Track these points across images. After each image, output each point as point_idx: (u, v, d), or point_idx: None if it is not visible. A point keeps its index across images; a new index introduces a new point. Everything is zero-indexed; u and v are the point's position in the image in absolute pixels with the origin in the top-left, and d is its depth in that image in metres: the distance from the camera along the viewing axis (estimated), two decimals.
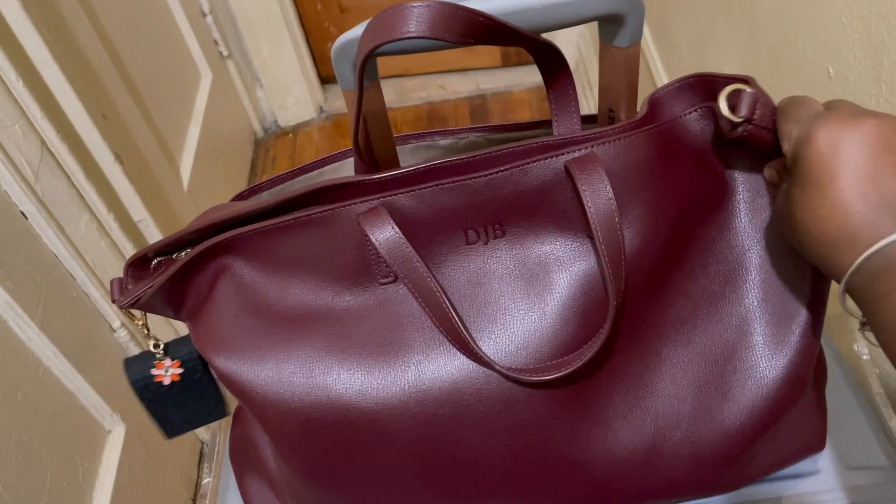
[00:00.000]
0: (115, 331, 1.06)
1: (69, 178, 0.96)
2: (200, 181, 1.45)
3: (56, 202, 0.94)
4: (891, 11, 0.48)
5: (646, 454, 0.40)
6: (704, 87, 0.38)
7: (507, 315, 0.39)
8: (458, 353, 0.39)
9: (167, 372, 0.44)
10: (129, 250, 1.08)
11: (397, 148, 0.46)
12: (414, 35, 0.31)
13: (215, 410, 0.47)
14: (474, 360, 0.38)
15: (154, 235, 1.18)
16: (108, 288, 1.01)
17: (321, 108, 1.92)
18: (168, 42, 1.46)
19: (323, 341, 0.40)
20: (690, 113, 0.38)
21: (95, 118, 1.03)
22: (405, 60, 1.90)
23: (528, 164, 0.37)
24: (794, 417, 0.45)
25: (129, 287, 0.42)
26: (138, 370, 0.44)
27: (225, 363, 0.39)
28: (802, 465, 0.46)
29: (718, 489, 0.43)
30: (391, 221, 0.37)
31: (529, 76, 1.90)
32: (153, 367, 0.44)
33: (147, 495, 1.09)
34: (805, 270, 0.40)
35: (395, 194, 0.38)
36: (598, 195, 0.35)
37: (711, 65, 0.82)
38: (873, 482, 0.45)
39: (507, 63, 1.90)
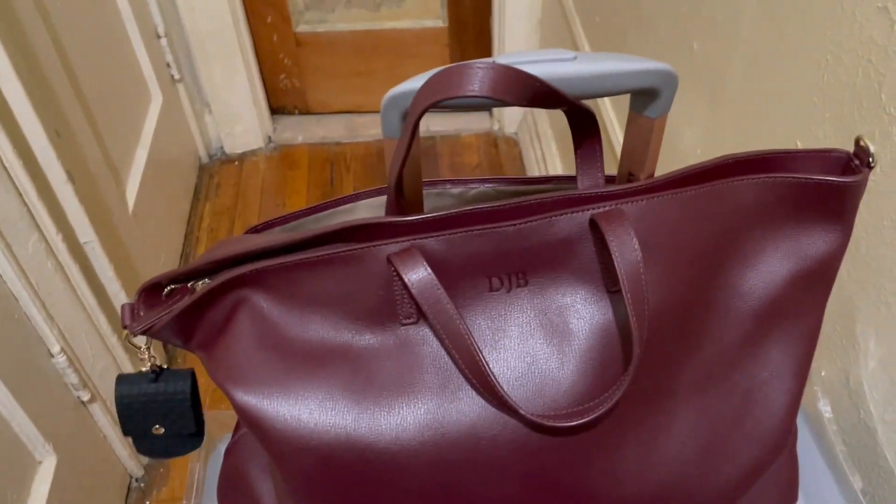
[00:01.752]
0: (53, 356, 1.01)
1: (21, 195, 0.93)
2: (145, 204, 1.41)
3: (5, 219, 0.90)
4: (864, 98, 0.52)
5: None
6: (763, 165, 0.41)
7: (526, 362, 0.40)
8: (477, 396, 0.39)
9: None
10: (74, 273, 1.05)
11: None
12: (477, 94, 0.33)
13: (190, 443, 0.47)
14: (497, 404, 0.38)
15: (99, 258, 1.14)
16: (46, 307, 0.97)
17: (269, 137, 1.90)
18: (121, 62, 1.43)
19: (342, 379, 0.40)
20: (744, 182, 0.40)
21: (50, 135, 1.00)
22: (357, 97, 1.92)
23: (556, 215, 0.38)
24: (772, 473, 0.48)
25: (142, 314, 0.41)
26: (128, 388, 0.44)
27: (243, 397, 0.39)
28: None
29: None
30: (424, 263, 0.38)
31: (477, 122, 1.94)
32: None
33: None
34: (809, 348, 0.43)
35: (426, 237, 0.39)
36: (625, 247, 0.37)
37: (673, 129, 0.87)
38: None
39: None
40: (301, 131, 1.93)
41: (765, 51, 0.65)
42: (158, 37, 1.59)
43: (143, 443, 0.47)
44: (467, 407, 0.39)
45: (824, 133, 0.58)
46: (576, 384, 0.40)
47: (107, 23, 1.37)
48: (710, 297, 0.42)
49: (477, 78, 0.33)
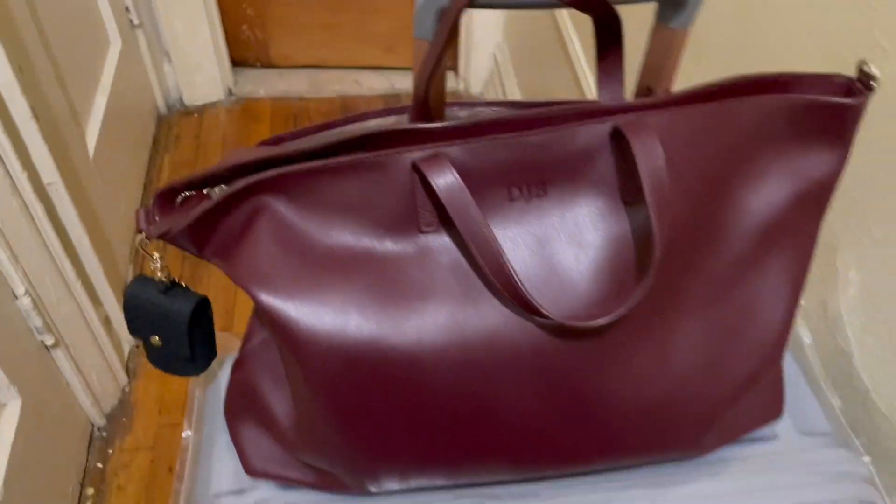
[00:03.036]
0: (17, 297, 0.98)
1: None
2: (105, 151, 1.37)
3: None
4: (857, 34, 0.54)
5: (654, 412, 0.44)
6: (770, 86, 0.42)
7: (543, 270, 0.41)
8: (497, 302, 0.40)
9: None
10: (39, 213, 1.01)
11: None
12: None
13: (189, 368, 0.47)
14: (520, 306, 0.39)
15: (63, 200, 1.10)
16: (11, 247, 0.94)
17: (230, 90, 1.86)
18: (80, 4, 1.37)
19: (365, 284, 0.40)
20: (753, 101, 0.41)
21: (14, 69, 0.96)
22: (322, 51, 1.89)
23: (579, 125, 0.39)
24: (760, 389, 0.50)
25: (157, 219, 0.41)
26: (139, 290, 0.43)
27: (268, 298, 0.39)
28: (763, 431, 0.52)
29: (700, 449, 0.47)
30: (452, 168, 0.38)
31: None
32: (186, 288, 0.43)
33: (39, 475, 1.02)
34: (804, 266, 0.45)
35: (450, 145, 0.39)
36: (650, 154, 0.38)
37: None
38: (820, 445, 0.51)
39: None
40: (263, 85, 1.89)
41: (751, 6, 0.67)
42: None
43: (147, 349, 0.46)
44: (488, 312, 0.40)
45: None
46: (591, 291, 0.41)
47: None
48: (718, 213, 0.43)
49: None
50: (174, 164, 1.71)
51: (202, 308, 0.45)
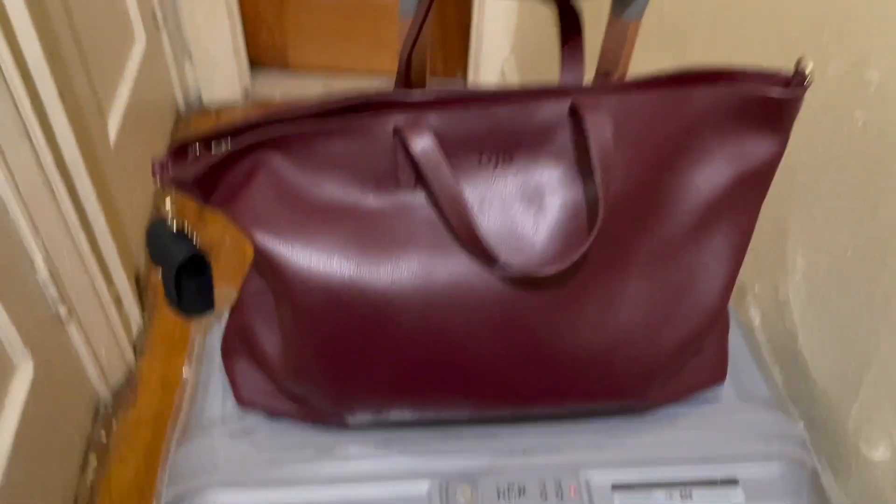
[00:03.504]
0: (36, 268, 1.05)
1: (16, 104, 0.96)
2: (124, 141, 1.44)
3: (1, 124, 0.93)
4: (808, 40, 0.60)
5: (601, 359, 0.49)
6: (717, 78, 0.47)
7: (506, 229, 0.47)
8: (463, 254, 0.46)
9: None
10: (60, 190, 1.08)
11: None
12: None
13: (177, 308, 0.52)
14: (481, 256, 0.45)
15: (83, 180, 1.17)
16: (33, 220, 1.01)
17: (247, 91, 1.94)
18: (110, 1, 1.45)
19: (349, 233, 0.46)
20: (701, 91, 0.47)
21: (45, 52, 1.03)
22: (337, 56, 1.96)
23: (542, 102, 0.45)
24: (705, 353, 0.55)
25: (170, 169, 0.47)
26: (188, 247, 0.49)
27: (263, 239, 0.45)
28: (707, 395, 0.57)
29: (645, 399, 0.52)
30: (429, 132, 0.44)
31: None
32: (190, 238, 0.49)
33: (46, 439, 1.07)
34: (745, 239, 0.51)
35: (428, 113, 0.45)
36: (600, 128, 0.44)
37: None
38: (759, 408, 0.56)
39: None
40: (279, 87, 1.96)
41: (726, 7, 0.73)
42: None
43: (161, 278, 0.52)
44: (454, 262, 0.46)
45: None
46: (546, 248, 0.46)
47: None
48: (666, 187, 0.49)
49: None
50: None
51: (198, 262, 0.50)
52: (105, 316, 1.25)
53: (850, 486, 0.56)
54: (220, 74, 1.87)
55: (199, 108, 1.91)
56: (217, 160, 0.46)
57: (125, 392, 1.32)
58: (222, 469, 0.49)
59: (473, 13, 1.81)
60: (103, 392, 1.29)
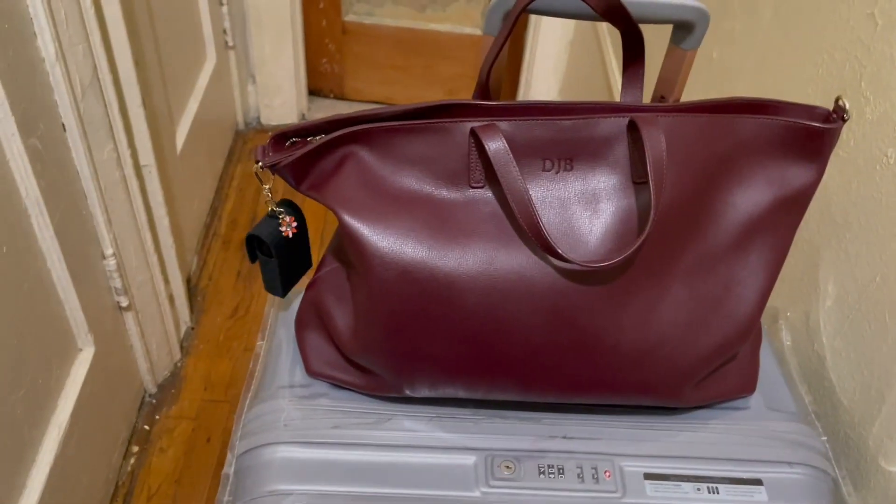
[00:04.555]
0: (105, 258, 1.12)
1: (106, 106, 1.04)
2: (189, 151, 1.53)
3: (91, 123, 1.01)
4: (848, 86, 0.65)
5: (642, 356, 0.53)
6: (764, 109, 0.53)
7: (564, 227, 0.52)
8: (524, 246, 0.51)
9: (288, 227, 0.55)
10: (134, 188, 1.16)
11: None
12: None
13: (305, 264, 0.58)
14: (542, 248, 0.50)
15: (154, 182, 1.25)
16: (108, 212, 1.08)
17: (304, 115, 2.03)
18: (189, 20, 1.56)
19: (422, 219, 0.51)
20: (748, 118, 0.52)
21: (134, 62, 1.12)
22: (391, 89, 2.05)
23: (603, 117, 0.51)
24: (737, 364, 0.59)
25: (271, 154, 0.53)
26: (269, 230, 0.55)
27: (349, 218, 0.50)
28: (737, 402, 0.61)
29: (679, 399, 0.56)
30: (501, 135, 0.50)
31: None
32: (279, 224, 0.55)
33: (97, 422, 1.13)
34: (780, 258, 0.55)
35: (500, 120, 0.51)
36: (655, 142, 0.49)
37: None
38: (785, 419, 0.60)
39: None
40: (333, 114, 2.05)
41: (772, 54, 0.78)
42: (221, 4, 1.72)
43: (285, 277, 0.57)
44: (515, 252, 0.51)
45: None
46: (599, 248, 0.52)
47: None
48: (709, 203, 0.54)
49: None
50: (244, 174, 1.86)
51: (274, 244, 0.55)
52: (160, 311, 1.32)
53: (869, 499, 0.59)
54: (280, 98, 1.97)
55: (257, 127, 2.00)
56: (312, 149, 0.52)
57: (170, 388, 1.38)
58: (289, 428, 0.55)
59: (525, 54, 1.89)
60: (150, 385, 1.35)
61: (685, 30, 0.50)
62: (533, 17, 1.84)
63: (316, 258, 1.51)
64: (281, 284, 0.57)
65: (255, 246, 0.56)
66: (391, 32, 1.95)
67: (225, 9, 1.73)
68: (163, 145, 1.34)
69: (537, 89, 1.90)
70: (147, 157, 1.22)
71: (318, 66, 2.02)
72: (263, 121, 2.01)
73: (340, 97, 2.08)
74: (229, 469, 0.54)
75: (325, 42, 1.98)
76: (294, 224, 0.55)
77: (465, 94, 2.02)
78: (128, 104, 1.14)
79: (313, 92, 2.07)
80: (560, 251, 0.49)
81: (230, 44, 1.79)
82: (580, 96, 1.71)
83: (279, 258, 0.55)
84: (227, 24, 1.76)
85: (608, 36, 1.50)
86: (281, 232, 0.54)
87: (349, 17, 1.95)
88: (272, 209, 0.55)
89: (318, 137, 0.54)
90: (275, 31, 1.85)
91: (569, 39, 1.82)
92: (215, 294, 1.57)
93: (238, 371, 1.44)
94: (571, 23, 1.81)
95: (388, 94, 2.06)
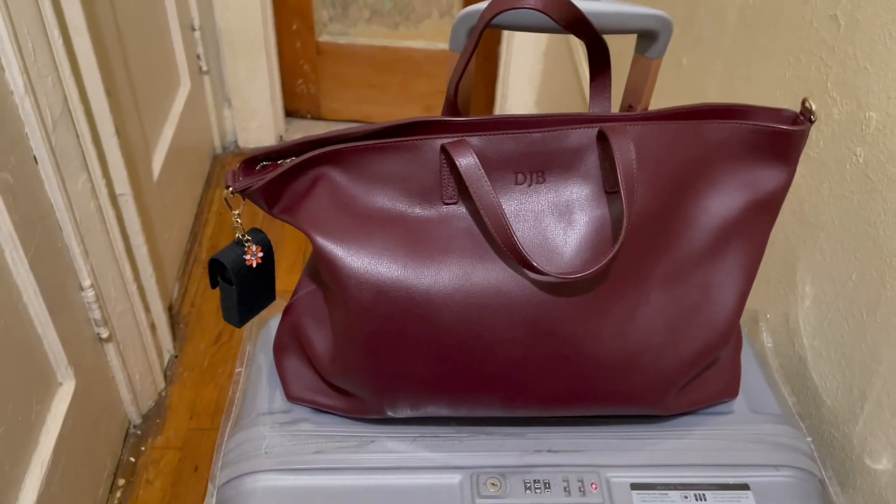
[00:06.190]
0: (83, 289, 1.11)
1: (78, 136, 1.04)
2: (166, 178, 1.52)
3: (64, 154, 1.00)
4: (814, 87, 0.66)
5: (622, 365, 0.53)
6: (731, 114, 0.53)
7: (538, 240, 0.52)
8: (499, 261, 0.51)
9: (253, 257, 0.54)
10: (110, 218, 1.15)
11: None
12: (531, 6, 0.45)
13: (268, 296, 0.57)
14: (517, 262, 0.50)
15: (130, 211, 1.24)
16: (84, 243, 1.07)
17: (281, 137, 2.02)
18: (161, 47, 1.55)
19: (396, 238, 0.51)
20: (716, 124, 0.52)
21: (106, 91, 1.12)
22: (368, 107, 2.05)
23: (573, 128, 0.51)
24: (719, 368, 0.59)
25: (241, 179, 0.53)
26: (233, 257, 0.54)
27: (322, 241, 0.50)
28: (721, 407, 0.61)
29: (662, 407, 0.56)
30: (472, 151, 0.50)
31: None
32: (244, 252, 0.54)
33: (80, 456, 1.11)
34: (755, 261, 0.55)
35: (470, 135, 0.51)
36: (625, 152, 0.49)
37: None
38: (769, 421, 0.60)
39: None
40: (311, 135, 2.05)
41: (740, 58, 0.79)
42: (193, 29, 1.72)
43: (244, 307, 0.56)
44: (491, 267, 0.51)
45: None
46: (574, 258, 0.51)
47: (153, 10, 1.49)
48: (683, 209, 0.54)
49: None
50: (224, 199, 1.85)
51: (235, 271, 0.54)
52: (141, 341, 1.30)
53: (856, 498, 0.59)
54: (257, 121, 1.96)
55: (235, 151, 2.00)
56: (283, 171, 0.52)
57: (155, 418, 1.37)
58: (271, 455, 0.54)
59: (499, 67, 1.90)
60: (134, 416, 1.33)
61: (649, 39, 0.50)
62: (506, 31, 1.85)
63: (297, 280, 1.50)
64: (238, 314, 0.56)
65: (217, 271, 0.55)
66: (366, 51, 1.95)
67: (197, 34, 1.73)
68: (139, 173, 1.34)
69: (513, 102, 1.91)
70: (122, 185, 1.21)
71: (294, 87, 2.02)
72: (241, 144, 2.00)
73: (318, 118, 2.08)
74: (211, 500, 0.53)
75: (300, 63, 1.98)
76: (260, 254, 0.54)
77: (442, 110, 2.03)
78: (101, 134, 1.13)
79: (290, 113, 2.07)
80: (535, 264, 0.49)
81: (204, 68, 1.79)
82: (556, 107, 1.72)
83: (239, 287, 0.54)
84: (200, 50, 1.75)
85: (580, 46, 1.51)
86: (245, 260, 0.54)
87: (323, 38, 1.95)
88: (238, 236, 0.55)
89: (288, 160, 0.54)
90: (249, 55, 1.85)
91: (542, 51, 1.84)
92: (198, 320, 1.56)
93: (224, 398, 1.43)
94: (544, 35, 1.82)
95: (366, 113, 2.06)
